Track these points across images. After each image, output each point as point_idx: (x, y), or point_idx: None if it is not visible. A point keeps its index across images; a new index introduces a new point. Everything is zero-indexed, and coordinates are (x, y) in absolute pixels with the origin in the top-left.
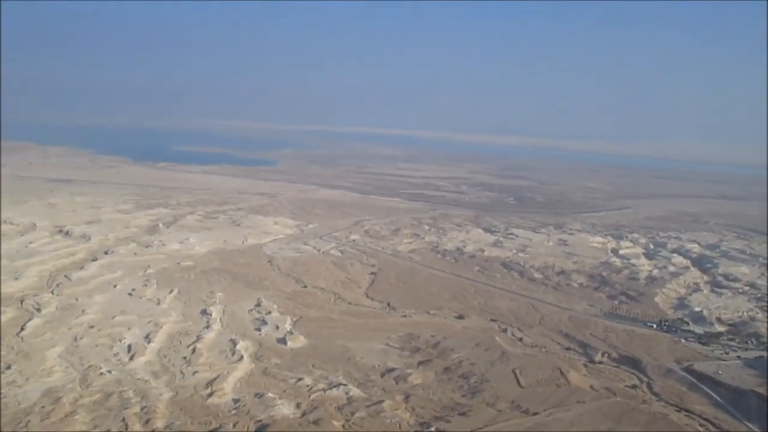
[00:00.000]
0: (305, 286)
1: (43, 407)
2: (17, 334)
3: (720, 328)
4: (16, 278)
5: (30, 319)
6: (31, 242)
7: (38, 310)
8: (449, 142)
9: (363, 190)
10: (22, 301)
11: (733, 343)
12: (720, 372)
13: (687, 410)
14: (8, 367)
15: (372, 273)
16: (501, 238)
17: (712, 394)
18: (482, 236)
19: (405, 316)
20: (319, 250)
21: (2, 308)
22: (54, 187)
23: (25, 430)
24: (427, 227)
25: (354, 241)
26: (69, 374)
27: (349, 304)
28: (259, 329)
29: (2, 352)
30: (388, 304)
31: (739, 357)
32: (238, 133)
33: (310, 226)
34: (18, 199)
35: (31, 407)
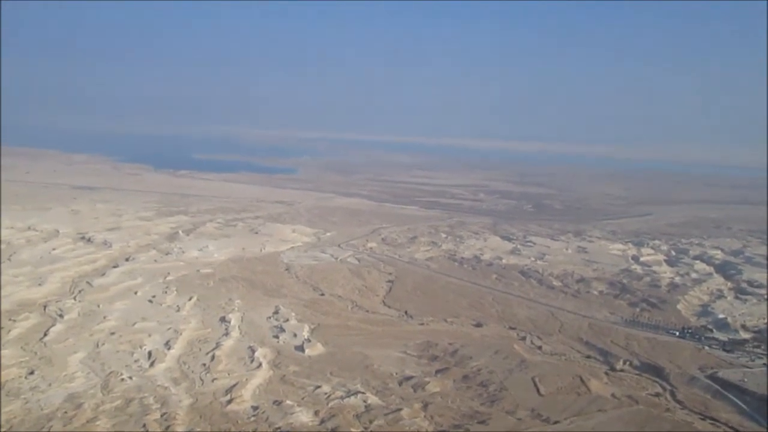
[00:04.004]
0: (323, 294)
1: (65, 412)
2: (40, 339)
3: (745, 335)
4: (39, 284)
5: (53, 325)
6: (54, 248)
7: (61, 316)
8: (465, 149)
9: (379, 198)
10: (45, 307)
11: (758, 351)
12: (745, 379)
13: (712, 418)
14: (31, 372)
15: (389, 281)
16: (519, 246)
17: (738, 402)
18: (500, 244)
19: (422, 324)
20: (336, 258)
21: (27, 314)
22: (77, 194)
23: None
24: (444, 235)
25: (371, 249)
26: (90, 380)
27: (367, 311)
28: (277, 336)
29: (26, 358)
30: (406, 312)
31: (765, 364)
32: (253, 141)
33: (328, 234)
34: (42, 206)
35: (53, 412)
